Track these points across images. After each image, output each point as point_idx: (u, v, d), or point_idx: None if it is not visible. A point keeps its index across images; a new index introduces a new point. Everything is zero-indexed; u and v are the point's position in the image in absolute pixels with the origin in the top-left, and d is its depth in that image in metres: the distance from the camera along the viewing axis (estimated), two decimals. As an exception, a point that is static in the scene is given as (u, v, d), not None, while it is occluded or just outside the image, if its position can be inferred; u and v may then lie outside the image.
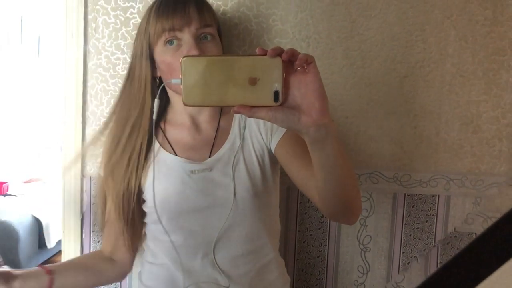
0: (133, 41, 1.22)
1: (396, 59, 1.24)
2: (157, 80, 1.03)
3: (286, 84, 0.65)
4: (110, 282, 1.14)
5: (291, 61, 0.65)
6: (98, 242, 1.31)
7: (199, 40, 0.95)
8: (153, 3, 1.00)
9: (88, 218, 1.31)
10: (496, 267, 0.36)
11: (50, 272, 0.96)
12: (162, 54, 0.96)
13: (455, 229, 1.28)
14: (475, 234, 1.28)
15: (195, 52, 0.92)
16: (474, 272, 0.37)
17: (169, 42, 0.95)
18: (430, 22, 1.22)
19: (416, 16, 1.22)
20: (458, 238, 1.28)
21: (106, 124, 1.07)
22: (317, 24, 1.23)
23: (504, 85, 1.23)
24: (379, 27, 1.23)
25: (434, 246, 1.28)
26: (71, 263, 1.07)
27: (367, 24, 1.23)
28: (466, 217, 1.27)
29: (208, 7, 1.00)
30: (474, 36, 1.22)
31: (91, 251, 1.32)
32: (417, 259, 1.29)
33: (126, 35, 1.24)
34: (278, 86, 0.64)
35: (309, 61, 0.65)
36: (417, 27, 1.23)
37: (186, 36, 0.94)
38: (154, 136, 1.02)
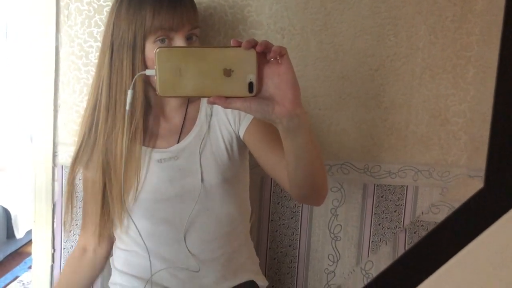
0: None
1: (368, 52, 1.26)
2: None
3: (260, 75, 0.67)
4: (102, 268, 1.17)
5: (264, 53, 0.67)
6: (70, 231, 1.30)
7: (187, 40, 0.97)
8: None
9: (60, 207, 1.29)
10: (452, 254, 0.38)
11: None
12: (151, 50, 0.96)
13: (421, 215, 1.32)
14: (441, 223, 1.33)
15: None
16: (432, 260, 0.39)
17: (161, 40, 0.95)
18: (401, 17, 1.25)
19: (389, 10, 1.25)
20: (424, 227, 1.33)
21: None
22: (291, 16, 1.24)
23: (470, 79, 1.27)
24: (352, 21, 1.25)
25: (402, 230, 1.32)
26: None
27: (341, 17, 1.25)
28: (432, 206, 1.31)
29: (196, 8, 1.01)
30: (443, 32, 1.26)
31: (62, 246, 1.31)
32: (386, 241, 1.33)
33: (100, 22, 1.23)
34: (252, 77, 0.65)
35: (282, 53, 0.67)
36: (389, 21, 1.25)
37: (179, 36, 0.95)
38: (125, 127, 1.00)
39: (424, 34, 1.26)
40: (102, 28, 1.23)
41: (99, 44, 1.22)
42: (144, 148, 1.02)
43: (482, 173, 1.25)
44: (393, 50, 1.26)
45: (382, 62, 1.26)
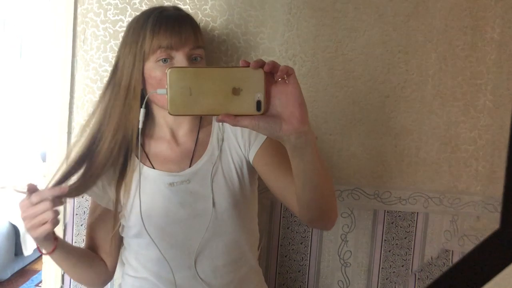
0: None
1: (379, 79, 1.27)
2: (141, 91, 1.03)
3: (268, 94, 0.69)
4: (94, 283, 1.11)
5: (272, 73, 0.69)
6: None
7: (190, 60, 0.98)
8: (147, 17, 0.99)
9: (71, 227, 1.30)
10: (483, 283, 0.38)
11: (56, 239, 0.97)
12: (153, 70, 0.97)
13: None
14: (452, 252, 1.32)
15: None
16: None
17: (163, 60, 0.97)
18: (412, 45, 1.27)
19: (399, 38, 1.26)
20: (435, 255, 1.32)
21: (84, 128, 1.04)
22: (303, 43, 1.26)
23: (481, 107, 1.28)
24: (363, 48, 1.26)
25: (412, 268, 1.32)
26: (72, 245, 1.09)
27: (352, 45, 1.26)
28: (443, 234, 1.31)
29: (200, 29, 1.03)
30: (454, 60, 1.27)
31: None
32: (396, 278, 1.32)
33: (115, 47, 1.25)
34: (260, 96, 0.67)
35: (289, 72, 0.69)
36: (399, 49, 1.27)
37: (180, 56, 0.96)
38: (139, 148, 1.02)
39: (435, 62, 1.27)
40: (117, 53, 1.25)
41: (114, 69, 1.25)
42: (156, 171, 1.03)
43: (493, 201, 1.25)
44: (404, 77, 1.27)
45: (392, 89, 1.28)
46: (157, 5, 1.08)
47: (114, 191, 1.03)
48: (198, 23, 1.03)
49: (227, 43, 1.26)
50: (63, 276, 1.32)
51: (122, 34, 1.24)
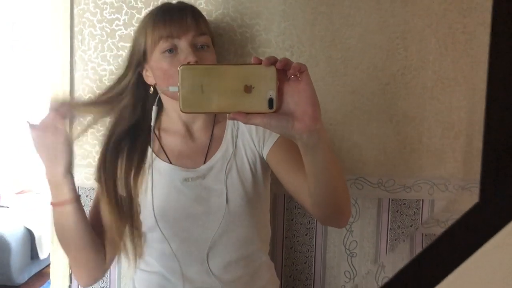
0: (119, 52, 1.25)
1: (378, 66, 1.26)
2: (152, 88, 1.04)
3: (280, 91, 0.68)
4: (89, 274, 1.06)
5: (284, 70, 0.68)
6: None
7: (195, 48, 0.98)
8: (148, 14, 1.02)
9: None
10: (449, 271, 0.37)
11: (75, 190, 0.99)
12: (159, 61, 0.98)
13: (438, 228, 1.30)
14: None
15: (192, 59, 0.95)
16: (429, 277, 0.38)
17: (169, 50, 0.97)
18: (411, 30, 1.25)
19: (397, 24, 1.25)
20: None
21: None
22: (300, 33, 1.25)
23: (484, 91, 1.25)
24: (361, 36, 1.25)
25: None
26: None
27: (349, 33, 1.25)
28: (448, 219, 1.29)
29: (203, 17, 1.03)
30: (454, 44, 1.25)
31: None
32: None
33: (112, 46, 1.26)
34: (272, 93, 0.66)
35: (302, 69, 0.68)
36: (398, 35, 1.25)
37: (183, 44, 0.97)
38: (151, 143, 1.04)
39: (435, 47, 1.25)
40: (115, 51, 1.26)
41: (112, 68, 1.26)
42: (171, 166, 1.03)
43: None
44: (403, 63, 1.26)
45: (392, 76, 1.26)
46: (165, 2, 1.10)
47: (131, 184, 1.03)
48: (201, 12, 1.03)
49: (223, 37, 1.25)
50: (70, 275, 1.33)
51: (119, 32, 1.26)
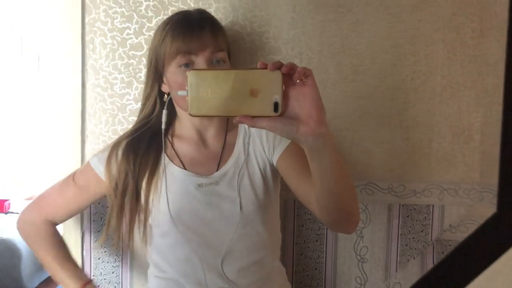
0: (130, 61, 1.26)
1: (387, 72, 1.26)
2: (166, 95, 1.06)
3: (285, 95, 0.69)
4: None
5: (290, 74, 0.69)
6: (99, 259, 1.33)
7: (211, 63, 0.99)
8: (168, 21, 1.03)
9: (89, 235, 1.32)
10: (480, 271, 0.38)
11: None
12: (175, 75, 1.00)
13: (449, 234, 1.29)
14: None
15: None
16: (460, 275, 0.39)
17: (185, 65, 0.98)
18: (419, 36, 1.25)
19: (406, 30, 1.25)
20: (452, 246, 1.30)
21: None
22: (309, 40, 1.26)
23: (493, 95, 1.26)
24: (369, 42, 1.26)
25: (429, 251, 1.30)
26: None
27: (358, 39, 1.26)
28: (460, 224, 1.29)
29: (222, 31, 1.04)
30: (463, 48, 1.25)
31: (92, 273, 1.34)
32: (414, 256, 1.31)
33: (123, 55, 1.27)
34: (278, 97, 0.68)
35: (307, 74, 0.69)
36: (406, 40, 1.25)
37: (200, 60, 0.98)
38: (163, 149, 1.06)
39: (443, 51, 1.25)
40: (126, 60, 1.27)
41: (124, 76, 1.27)
42: (185, 172, 1.05)
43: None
44: (412, 68, 1.26)
45: (401, 81, 1.26)
46: (182, 9, 1.10)
47: (143, 186, 1.05)
48: (220, 26, 1.05)
49: (232, 45, 1.26)
50: (83, 282, 1.33)
51: (130, 41, 1.27)
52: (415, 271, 1.31)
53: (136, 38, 1.27)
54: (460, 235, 1.29)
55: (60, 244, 1.14)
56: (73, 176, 1.12)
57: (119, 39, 1.28)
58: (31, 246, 1.15)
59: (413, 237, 1.30)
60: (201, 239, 1.03)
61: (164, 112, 0.99)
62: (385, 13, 1.25)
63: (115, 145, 1.07)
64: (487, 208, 1.27)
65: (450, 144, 1.27)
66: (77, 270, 1.10)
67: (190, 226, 1.03)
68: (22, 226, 1.17)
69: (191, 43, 0.97)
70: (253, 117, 0.68)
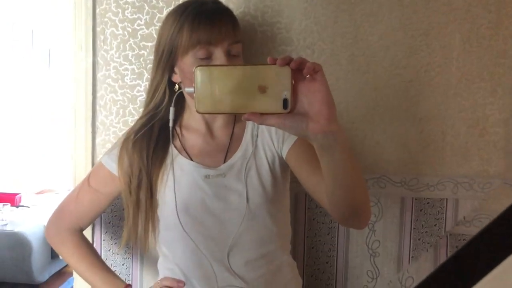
0: (141, 52, 1.25)
1: (401, 64, 1.24)
2: (177, 86, 1.04)
3: (294, 92, 0.67)
4: None
5: (299, 69, 0.67)
6: (109, 250, 1.33)
7: (229, 56, 0.97)
8: (182, 10, 0.99)
9: (99, 227, 1.32)
10: (494, 265, 0.36)
11: None
12: (191, 65, 0.95)
13: (463, 228, 1.27)
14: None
15: None
16: (472, 270, 0.37)
17: (206, 59, 0.96)
18: (434, 27, 1.23)
19: (420, 21, 1.23)
20: (467, 240, 1.28)
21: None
22: (321, 31, 1.24)
23: (510, 87, 1.23)
24: (383, 33, 1.24)
25: (443, 245, 1.28)
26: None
27: (371, 30, 1.24)
28: (474, 218, 1.27)
29: (238, 23, 1.02)
30: (479, 40, 1.23)
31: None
32: (426, 258, 1.29)
33: (134, 46, 1.27)
34: (287, 94, 0.66)
35: (316, 69, 0.67)
36: (421, 32, 1.23)
37: (219, 52, 0.96)
38: (171, 143, 1.05)
39: (459, 43, 1.23)
40: (137, 51, 1.27)
41: (134, 67, 1.27)
42: (192, 163, 1.04)
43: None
44: (426, 60, 1.24)
45: (415, 73, 1.24)
46: None
47: (153, 178, 1.04)
48: (236, 17, 1.03)
49: (244, 36, 1.25)
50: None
51: (141, 32, 1.26)
52: (427, 266, 1.29)
53: (147, 29, 1.26)
54: (474, 230, 1.27)
55: (89, 252, 1.13)
56: (88, 179, 1.11)
57: (130, 30, 1.27)
58: (63, 257, 1.15)
59: (426, 231, 1.29)
60: (207, 231, 1.03)
61: (172, 109, 0.99)
62: (399, 3, 1.23)
63: (125, 140, 1.06)
64: (503, 202, 1.25)
65: (465, 137, 1.25)
66: (111, 277, 1.09)
67: (196, 218, 1.02)
68: (50, 239, 1.16)
69: (211, 33, 0.95)
70: (262, 114, 0.67)
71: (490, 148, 1.25)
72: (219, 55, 0.96)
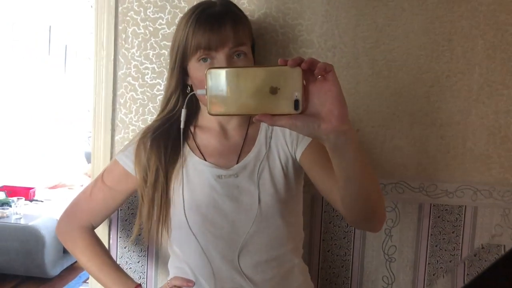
0: (161, 51, 1.26)
1: (422, 68, 1.23)
2: (189, 87, 1.05)
3: (306, 92, 0.68)
4: None
5: (311, 70, 0.67)
6: (124, 247, 1.34)
7: (231, 58, 0.97)
8: (190, 14, 1.00)
9: (115, 225, 1.33)
10: None
11: None
12: (195, 69, 0.99)
13: (482, 244, 1.26)
14: (504, 246, 1.26)
15: None
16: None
17: (203, 59, 0.97)
18: (457, 32, 1.22)
19: (443, 26, 1.22)
20: (485, 250, 1.26)
21: None
22: (342, 34, 1.24)
23: (533, 95, 1.22)
24: (405, 37, 1.23)
25: (461, 260, 1.27)
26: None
27: (393, 34, 1.23)
28: (494, 228, 1.25)
29: (244, 24, 1.01)
30: (503, 46, 1.21)
31: (117, 256, 1.34)
32: (443, 273, 1.28)
33: (155, 45, 1.27)
34: (298, 95, 0.66)
35: (327, 69, 0.67)
36: (443, 37, 1.22)
37: (220, 56, 0.96)
38: (182, 144, 1.04)
39: (482, 48, 1.22)
40: (158, 50, 1.27)
41: (155, 66, 1.27)
42: (205, 163, 1.04)
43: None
44: (449, 66, 1.23)
45: (437, 78, 1.23)
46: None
47: (166, 176, 1.05)
48: (243, 18, 1.02)
49: (265, 37, 1.25)
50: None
51: (162, 31, 1.27)
52: (446, 278, 1.28)
53: (169, 29, 1.26)
54: (497, 239, 1.26)
55: (100, 250, 1.12)
56: (101, 177, 1.12)
57: (151, 29, 1.27)
58: (74, 255, 1.14)
59: (444, 238, 1.27)
60: (218, 231, 1.03)
61: (183, 111, 0.99)
62: (422, 8, 1.22)
63: (142, 139, 1.06)
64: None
65: (486, 144, 1.24)
66: (122, 276, 1.09)
67: (207, 217, 1.02)
68: (60, 236, 1.16)
69: (211, 39, 0.96)
70: (273, 115, 0.67)
71: (511, 155, 1.23)
72: (220, 59, 0.96)
